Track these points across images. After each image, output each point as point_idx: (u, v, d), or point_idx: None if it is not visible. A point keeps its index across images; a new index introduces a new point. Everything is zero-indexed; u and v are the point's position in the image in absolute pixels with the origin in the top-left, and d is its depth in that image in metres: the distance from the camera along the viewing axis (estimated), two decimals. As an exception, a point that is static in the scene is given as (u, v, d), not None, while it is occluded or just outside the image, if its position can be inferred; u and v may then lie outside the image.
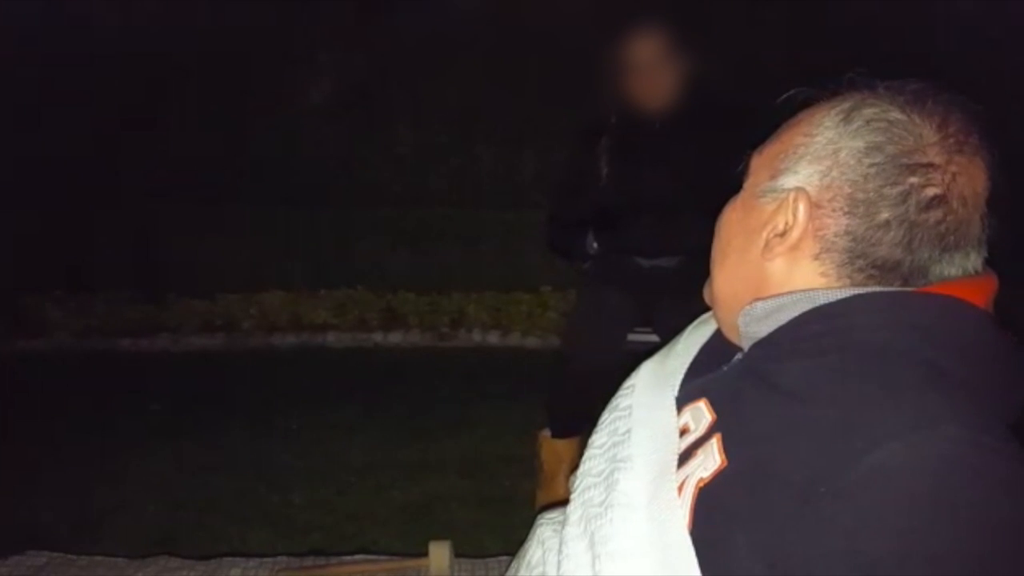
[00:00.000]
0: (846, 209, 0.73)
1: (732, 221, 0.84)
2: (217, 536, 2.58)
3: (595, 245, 2.57)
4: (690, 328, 0.96)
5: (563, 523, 0.86)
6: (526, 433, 2.93)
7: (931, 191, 0.72)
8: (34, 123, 5.22)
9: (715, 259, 0.86)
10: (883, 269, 0.74)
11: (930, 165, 0.72)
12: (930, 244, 0.73)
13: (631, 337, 2.57)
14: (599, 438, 0.90)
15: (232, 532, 2.63)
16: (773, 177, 0.79)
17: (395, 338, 5.27)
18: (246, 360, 4.95)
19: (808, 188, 0.75)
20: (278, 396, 4.10)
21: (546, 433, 2.68)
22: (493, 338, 5.27)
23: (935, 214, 0.72)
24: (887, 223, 0.73)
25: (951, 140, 0.73)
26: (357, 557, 2.09)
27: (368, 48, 5.69)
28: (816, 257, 0.75)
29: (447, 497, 2.92)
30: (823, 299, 0.74)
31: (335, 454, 3.34)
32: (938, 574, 0.57)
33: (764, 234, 0.78)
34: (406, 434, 3.55)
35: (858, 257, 0.74)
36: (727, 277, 0.84)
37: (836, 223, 0.74)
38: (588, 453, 0.89)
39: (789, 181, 0.77)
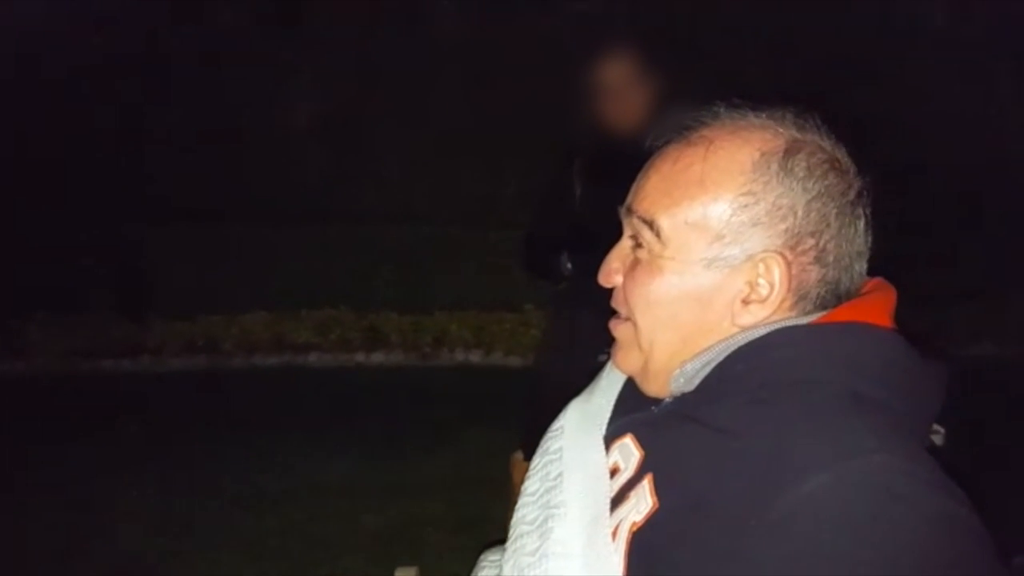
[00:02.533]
0: (817, 259, 0.75)
1: (669, 293, 0.78)
2: (188, 561, 2.57)
3: (569, 266, 2.58)
4: (611, 363, 0.95)
5: (499, 572, 0.86)
6: (505, 454, 2.91)
7: (867, 212, 0.78)
8: (16, 146, 5.22)
9: (655, 332, 0.80)
10: (834, 295, 0.77)
11: (861, 191, 0.77)
12: (861, 259, 0.78)
13: (601, 358, 2.57)
14: (532, 484, 0.89)
15: (203, 557, 2.62)
16: (715, 243, 0.75)
17: (377, 357, 5.27)
18: (228, 380, 4.94)
19: (775, 250, 0.74)
20: (259, 417, 4.08)
21: (518, 455, 2.67)
22: (476, 357, 5.28)
23: (869, 233, 0.78)
24: (850, 262, 0.77)
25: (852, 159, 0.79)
26: (325, 584, 2.09)
27: (351, 70, 5.71)
28: (791, 308, 0.76)
29: (421, 521, 2.92)
30: (742, 339, 0.76)
31: (312, 477, 3.33)
32: None
33: (728, 302, 0.76)
34: (384, 456, 3.55)
35: (824, 295, 0.76)
36: (672, 349, 0.79)
37: (809, 275, 0.75)
38: (521, 500, 0.89)
39: (742, 248, 0.75)
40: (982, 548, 0.62)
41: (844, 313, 0.76)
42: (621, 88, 2.51)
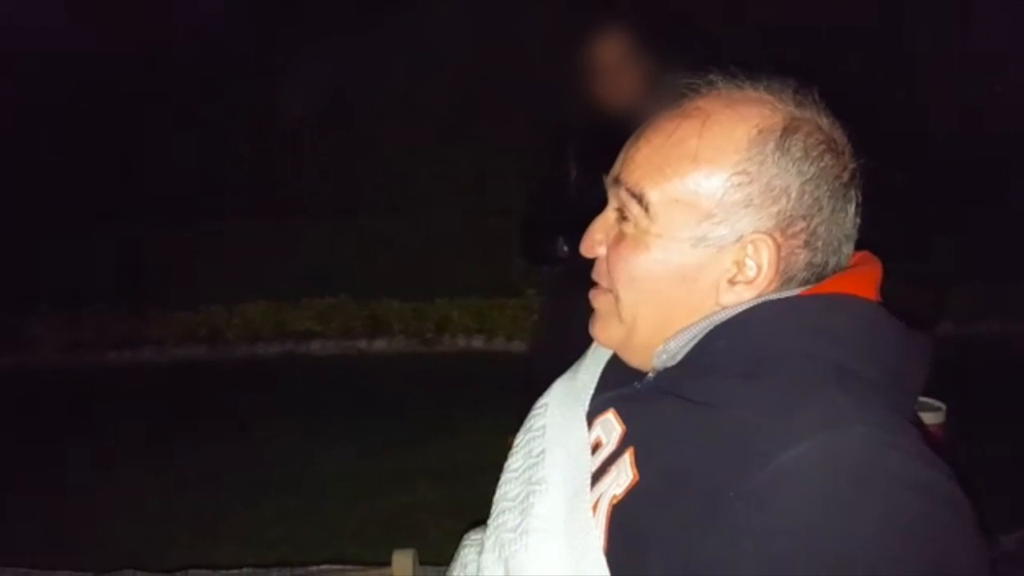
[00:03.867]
0: (807, 243, 0.73)
1: (654, 269, 0.76)
2: (188, 549, 2.59)
3: (565, 249, 2.57)
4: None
5: (480, 548, 0.85)
6: (504, 439, 2.91)
7: (858, 195, 0.76)
8: (16, 143, 5.23)
9: (638, 307, 0.78)
10: (821, 278, 0.75)
11: (855, 171, 0.75)
12: (849, 241, 0.76)
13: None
14: (515, 461, 0.89)
15: (202, 545, 2.65)
16: (705, 221, 0.73)
17: (380, 345, 5.29)
18: (230, 370, 4.96)
19: (766, 232, 0.73)
20: (260, 406, 4.11)
21: (512, 439, 2.67)
22: (478, 343, 5.29)
23: (858, 217, 0.76)
24: (839, 245, 0.75)
25: (847, 134, 0.76)
26: (323, 567, 2.10)
27: (348, 59, 5.70)
28: (776, 289, 0.74)
29: (420, 506, 2.93)
30: (725, 315, 0.75)
31: (312, 463, 3.35)
32: (845, 574, 0.57)
33: (714, 281, 0.75)
34: (384, 442, 3.56)
35: (809, 278, 0.75)
36: (656, 325, 0.78)
37: (797, 258, 0.74)
38: (504, 477, 0.88)
39: (732, 229, 0.73)
40: (963, 520, 0.61)
41: (827, 286, 0.74)
42: (615, 68, 2.49)
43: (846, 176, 0.74)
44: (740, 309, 0.74)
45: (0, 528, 2.76)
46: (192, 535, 2.75)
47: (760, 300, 0.74)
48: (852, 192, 0.75)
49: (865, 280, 0.76)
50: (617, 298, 0.80)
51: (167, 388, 4.58)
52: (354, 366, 5.00)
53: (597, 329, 0.84)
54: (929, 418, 1.36)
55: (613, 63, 2.48)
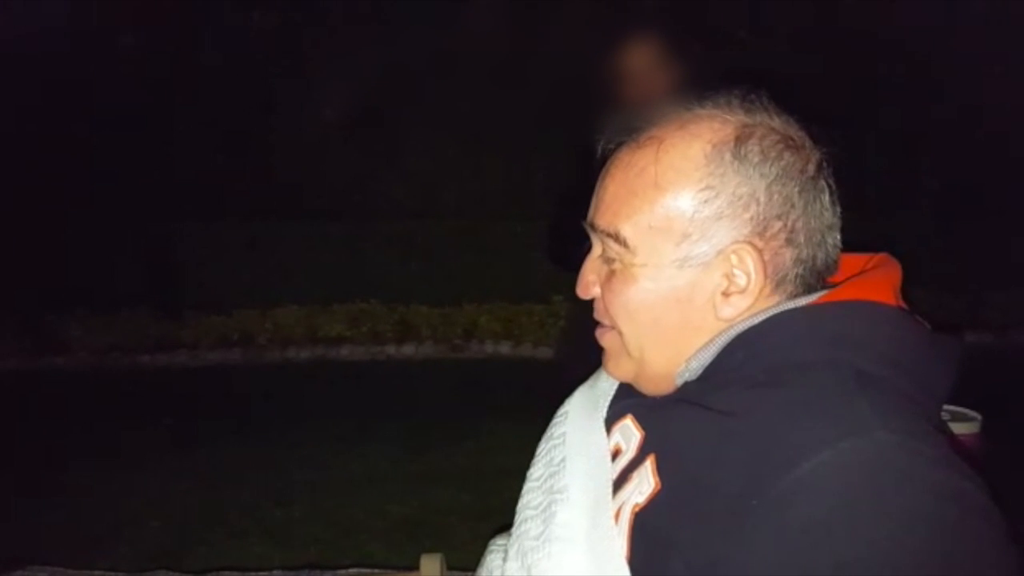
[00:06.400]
0: (788, 240, 0.74)
1: (647, 299, 0.77)
2: (217, 548, 2.62)
3: (593, 255, 2.58)
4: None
5: (505, 556, 0.86)
6: (531, 445, 2.91)
7: (830, 183, 0.76)
8: (54, 147, 5.35)
9: (642, 339, 0.79)
10: (813, 272, 0.76)
11: (820, 161, 0.76)
12: (832, 231, 0.77)
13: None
14: (536, 470, 0.89)
15: (232, 546, 2.68)
16: (683, 242, 0.74)
17: (408, 350, 5.32)
18: (263, 374, 5.03)
19: (745, 239, 0.73)
20: (291, 409, 4.16)
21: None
22: (505, 349, 5.30)
23: (836, 204, 0.77)
24: (822, 236, 0.75)
25: (804, 128, 0.77)
26: (351, 571, 2.11)
27: (378, 63, 5.75)
28: (772, 292, 0.75)
29: (447, 510, 2.94)
30: (742, 327, 0.75)
31: (340, 466, 3.38)
32: None
33: (708, 297, 0.75)
34: (412, 446, 3.58)
35: (802, 274, 0.75)
36: (665, 353, 0.78)
37: (782, 258, 0.74)
38: (526, 486, 0.89)
39: (711, 244, 0.74)
40: (991, 527, 0.60)
41: (845, 292, 0.74)
42: (645, 74, 2.49)
43: (812, 168, 0.74)
44: (756, 320, 0.74)
45: (34, 527, 2.82)
46: (223, 534, 2.79)
47: (777, 310, 0.74)
48: (822, 182, 0.75)
49: (883, 284, 0.76)
50: (621, 334, 0.80)
51: (200, 391, 4.65)
52: (383, 371, 5.05)
53: (611, 367, 0.85)
54: (963, 428, 1.34)
55: (643, 69, 2.48)
